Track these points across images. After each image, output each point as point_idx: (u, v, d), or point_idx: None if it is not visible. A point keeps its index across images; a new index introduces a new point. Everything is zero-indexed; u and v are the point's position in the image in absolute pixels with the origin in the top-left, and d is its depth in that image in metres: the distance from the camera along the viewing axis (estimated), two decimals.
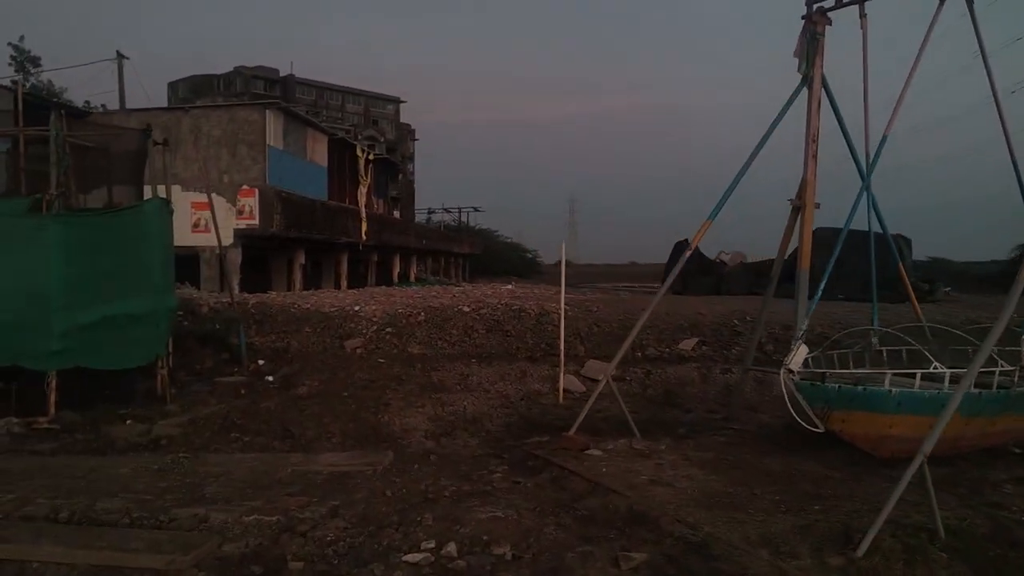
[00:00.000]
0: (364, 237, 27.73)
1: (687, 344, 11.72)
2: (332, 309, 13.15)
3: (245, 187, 20.85)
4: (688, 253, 7.34)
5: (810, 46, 7.03)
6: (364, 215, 27.86)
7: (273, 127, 22.25)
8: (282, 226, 21.15)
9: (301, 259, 24.71)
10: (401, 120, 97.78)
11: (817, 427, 5.71)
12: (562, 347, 10.04)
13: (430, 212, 70.42)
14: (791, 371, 5.85)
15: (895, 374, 5.92)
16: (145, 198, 9.80)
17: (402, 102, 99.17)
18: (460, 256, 54.44)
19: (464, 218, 68.32)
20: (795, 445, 6.48)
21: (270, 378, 10.61)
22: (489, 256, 64.21)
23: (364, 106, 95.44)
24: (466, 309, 13.04)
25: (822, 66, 7.09)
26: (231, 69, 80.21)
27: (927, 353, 6.25)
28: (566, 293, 19.15)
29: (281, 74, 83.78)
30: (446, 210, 66.34)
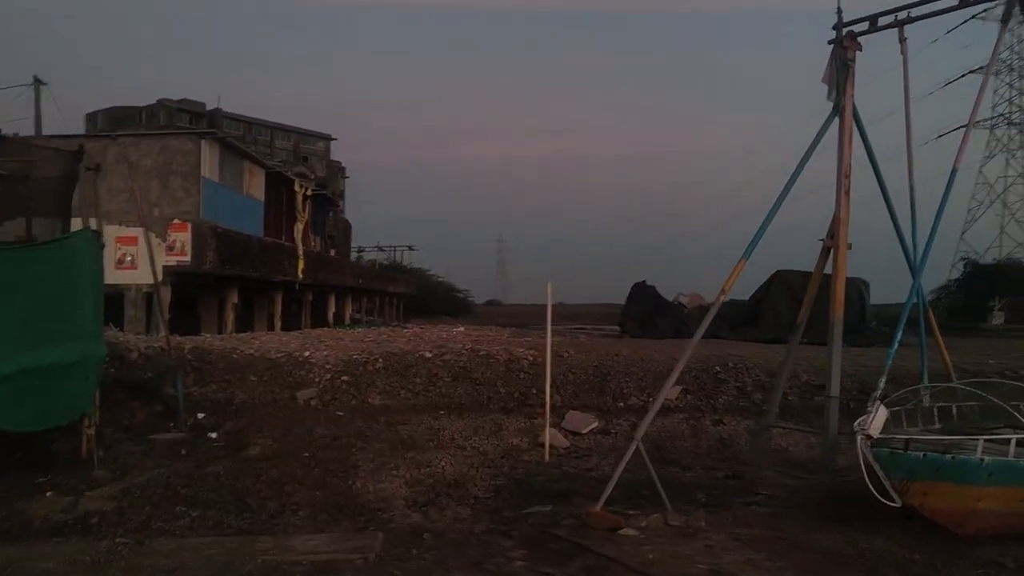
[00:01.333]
0: (301, 275, 26.39)
1: (671, 393, 10.95)
2: (279, 355, 11.94)
3: (177, 221, 19.41)
4: (723, 298, 6.56)
5: (840, 73, 6.44)
6: (302, 252, 26.54)
7: (208, 158, 20.92)
8: (216, 263, 19.75)
9: (234, 298, 23.23)
10: (331, 157, 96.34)
11: (894, 501, 4.94)
12: (548, 399, 9.14)
13: (360, 251, 69.01)
14: (869, 437, 5.08)
15: (987, 440, 5.21)
16: (72, 230, 8.54)
17: (332, 139, 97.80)
18: (395, 296, 53.14)
19: (398, 257, 67.14)
20: (845, 516, 5.70)
21: (213, 435, 9.36)
22: (423, 295, 63.03)
23: (294, 142, 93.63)
24: (428, 355, 12.03)
25: (853, 95, 6.50)
26: (154, 101, 77.59)
27: (1010, 410, 5.59)
28: (516, 337, 18.32)
29: (208, 107, 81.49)
30: (380, 248, 65.04)
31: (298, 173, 60.30)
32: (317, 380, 11.13)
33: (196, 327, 21.76)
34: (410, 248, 66.00)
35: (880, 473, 4.99)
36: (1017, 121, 73.91)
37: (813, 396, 10.77)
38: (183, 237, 19.15)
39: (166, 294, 19.16)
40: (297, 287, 27.38)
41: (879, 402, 5.56)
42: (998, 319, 52.53)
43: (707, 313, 6.54)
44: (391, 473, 7.66)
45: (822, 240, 6.70)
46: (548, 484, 7.71)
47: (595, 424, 10.16)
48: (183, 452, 8.60)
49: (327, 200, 35.69)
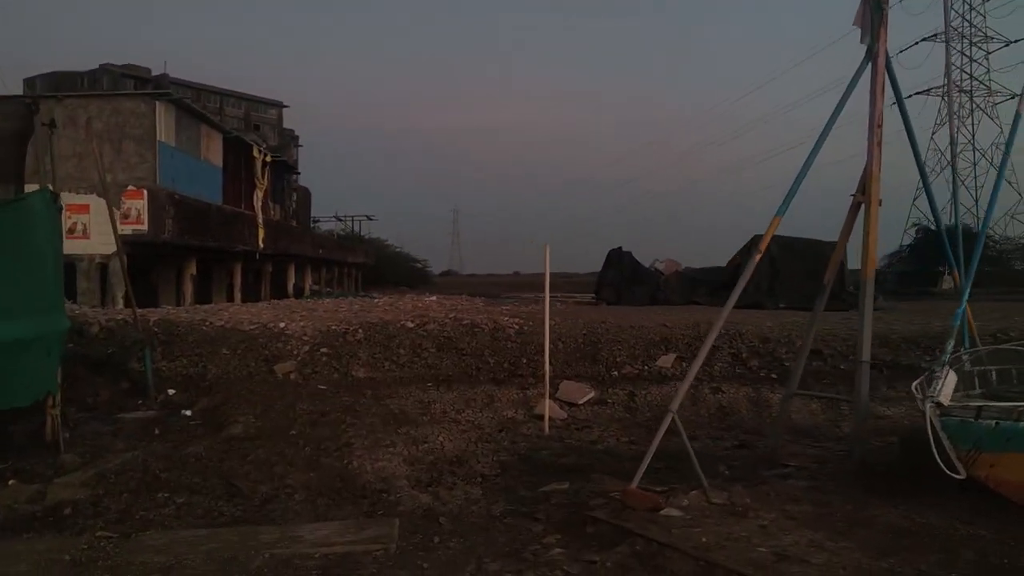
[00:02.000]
0: (262, 245, 25.44)
1: (665, 361, 10.60)
2: (252, 327, 11.26)
3: (131, 188, 18.35)
4: (759, 257, 6.12)
5: (874, 15, 5.99)
6: (262, 221, 25.56)
7: (164, 121, 19.82)
8: (175, 232, 18.79)
9: (192, 269, 22.27)
10: (284, 126, 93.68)
11: (959, 473, 4.59)
12: (547, 369, 8.68)
13: (315, 221, 67.36)
14: (939, 405, 4.71)
15: None
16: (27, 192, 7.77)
17: (285, 107, 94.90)
18: (354, 266, 52.12)
19: (355, 227, 65.84)
20: (889, 489, 5.36)
21: (188, 412, 8.73)
22: (381, 266, 62.01)
23: (244, 110, 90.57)
24: (410, 325, 11.47)
25: (886, 39, 6.07)
26: (97, 67, 74.29)
27: None
28: (492, 306, 17.83)
29: (153, 73, 78.30)
30: (337, 218, 63.66)
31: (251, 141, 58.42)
32: (295, 353, 10.50)
33: (153, 299, 20.82)
34: (368, 218, 64.71)
35: (947, 444, 4.63)
36: (968, 88, 75.08)
37: (811, 361, 10.49)
38: (139, 205, 18.12)
39: (119, 264, 18.20)
40: (257, 257, 26.42)
41: (948, 367, 5.20)
42: (947, 283, 53.53)
43: (742, 273, 6.08)
44: (388, 451, 7.15)
45: (852, 196, 6.27)
46: (555, 459, 7.29)
47: (591, 394, 9.75)
48: (156, 431, 7.96)
49: (286, 167, 34.50)
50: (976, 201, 75.83)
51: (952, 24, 74.72)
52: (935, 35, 74.01)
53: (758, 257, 5.95)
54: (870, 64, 6.08)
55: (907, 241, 69.10)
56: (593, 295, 20.05)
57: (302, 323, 11.68)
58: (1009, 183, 74.42)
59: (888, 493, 5.24)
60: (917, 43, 74.26)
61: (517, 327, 11.65)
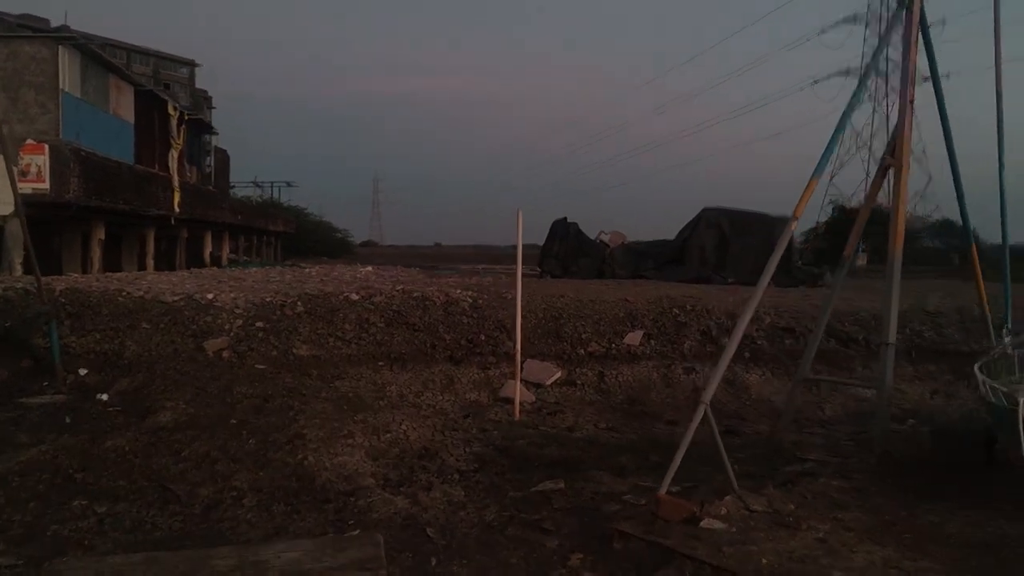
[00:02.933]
0: (177, 210, 23.67)
1: (633, 338, 9.94)
2: (176, 298, 10.04)
3: (31, 141, 16.47)
4: (793, 225, 5.41)
5: None
6: (177, 184, 23.76)
7: (68, 68, 17.93)
8: (80, 192, 17.06)
9: (100, 234, 20.45)
10: (197, 86, 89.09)
11: None
12: (519, 349, 7.90)
13: (232, 186, 64.31)
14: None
15: None
16: None
17: (197, 65, 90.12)
18: (274, 235, 50.01)
19: (275, 194, 63.21)
20: (933, 488, 4.80)
21: (103, 396, 7.57)
22: (301, 235, 59.82)
23: (153, 67, 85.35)
24: (355, 297, 10.45)
25: None
26: None
27: None
28: (435, 278, 16.89)
29: (53, 24, 73.12)
30: (256, 184, 60.90)
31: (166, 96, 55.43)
32: (227, 327, 9.36)
33: (57, 266, 19.03)
34: (288, 184, 62.24)
35: None
36: (883, 70, 77.34)
37: (783, 339, 10.04)
38: (39, 161, 16.28)
39: (18, 227, 16.38)
40: (172, 223, 24.62)
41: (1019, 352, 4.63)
42: (861, 260, 55.19)
43: (779, 241, 5.38)
44: (346, 442, 6.24)
45: (883, 158, 5.63)
46: (535, 450, 6.53)
47: (558, 374, 9.03)
48: (67, 420, 6.82)
49: (203, 126, 32.34)
50: (888, 181, 78.61)
51: (871, 7, 76.89)
52: (855, 16, 76.13)
53: (793, 225, 5.23)
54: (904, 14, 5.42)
55: (824, 218, 71.10)
56: (537, 268, 19.31)
57: (232, 294, 10.51)
58: (920, 164, 77.73)
59: (934, 493, 4.68)
60: (838, 24, 76.32)
61: (471, 300, 10.79)
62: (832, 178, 79.24)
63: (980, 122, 6.17)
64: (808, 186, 5.32)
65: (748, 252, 17.34)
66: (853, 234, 6.25)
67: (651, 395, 8.78)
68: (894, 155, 5.53)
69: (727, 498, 4.38)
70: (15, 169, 15.30)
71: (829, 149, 5.31)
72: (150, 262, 24.33)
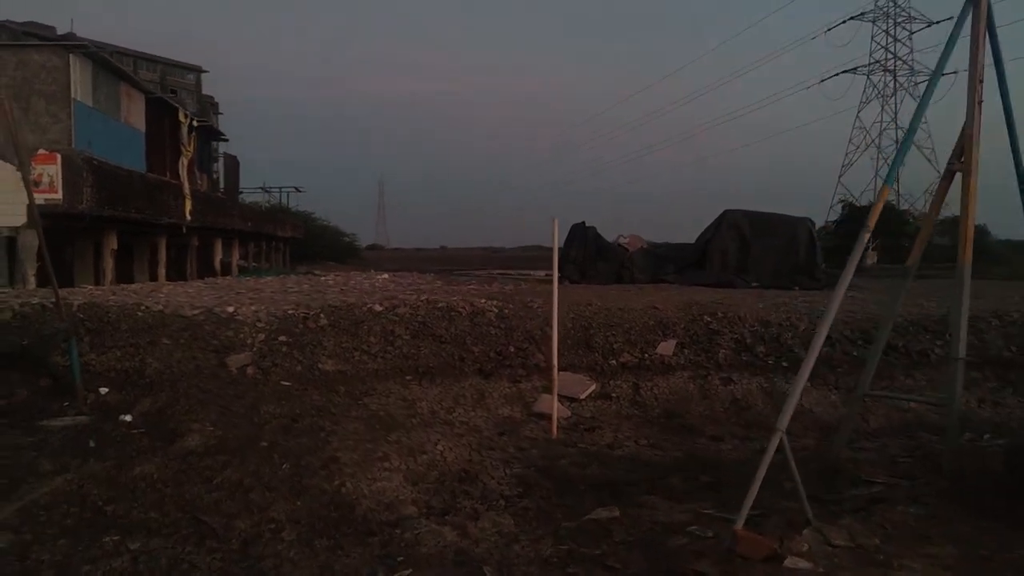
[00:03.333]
0: (189, 217, 23.47)
1: (665, 348, 9.65)
2: (195, 312, 9.81)
3: (43, 151, 16.28)
4: (866, 236, 5.10)
5: None
6: (189, 191, 23.55)
7: (80, 77, 17.73)
8: (93, 202, 16.85)
9: (113, 244, 20.24)
10: (203, 92, 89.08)
11: None
12: (556, 362, 7.61)
13: (240, 192, 64.16)
14: None
15: None
16: None
17: (204, 71, 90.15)
18: (283, 240, 49.85)
19: (284, 199, 63.07)
20: (1010, 511, 4.50)
21: (127, 418, 7.34)
22: (309, 240, 59.65)
23: (160, 74, 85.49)
24: (379, 308, 10.20)
25: None
26: None
27: None
28: (453, 284, 16.63)
29: (59, 32, 73.14)
30: (265, 189, 60.72)
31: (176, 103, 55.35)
32: (249, 342, 9.12)
33: (69, 278, 18.83)
34: (297, 189, 62.06)
35: None
36: (892, 68, 76.80)
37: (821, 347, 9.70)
38: (51, 171, 16.09)
39: (32, 239, 16.20)
40: (184, 231, 24.42)
41: None
42: (871, 259, 54.79)
43: (853, 251, 5.07)
44: (382, 466, 5.97)
45: (950, 162, 5.32)
46: (579, 471, 6.26)
47: (593, 387, 8.75)
48: (91, 444, 6.57)
49: (212, 132, 32.15)
50: (897, 179, 78.20)
51: (879, 4, 76.30)
52: (863, 13, 75.58)
53: (867, 236, 4.93)
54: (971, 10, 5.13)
55: (833, 217, 70.60)
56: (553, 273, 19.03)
57: (253, 307, 10.27)
58: (929, 161, 77.09)
59: (1020, 520, 4.38)
60: (845, 21, 75.79)
61: (497, 310, 10.52)
62: (841, 177, 79.03)
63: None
64: (880, 194, 5.03)
65: (770, 254, 17.04)
66: (918, 243, 5.93)
67: (689, 407, 8.49)
68: (962, 159, 5.23)
69: (806, 532, 4.09)
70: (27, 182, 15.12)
71: (900, 153, 5.02)
72: (162, 271, 24.13)
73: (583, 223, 18.39)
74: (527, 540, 4.65)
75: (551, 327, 10.08)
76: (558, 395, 8.49)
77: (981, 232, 64.16)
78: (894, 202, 74.28)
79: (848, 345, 9.84)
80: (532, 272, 25.43)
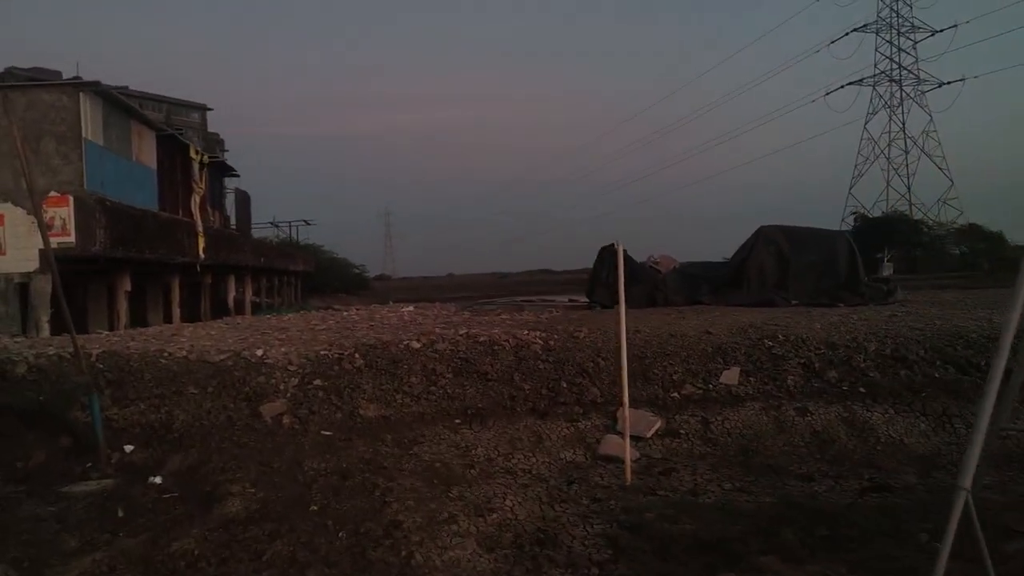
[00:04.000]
0: (203, 255, 22.93)
1: (730, 376, 8.94)
2: (222, 356, 9.15)
3: (54, 194, 15.78)
4: None
5: None
6: (202, 229, 23.04)
7: (90, 116, 17.27)
8: (107, 244, 16.31)
9: (127, 286, 19.68)
10: (209, 130, 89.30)
11: None
12: (626, 400, 6.90)
13: (250, 227, 63.83)
14: None
15: None
16: None
17: (209, 109, 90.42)
18: (295, 275, 49.40)
19: (293, 233, 62.71)
20: None
21: (157, 479, 6.67)
22: (319, 273, 59.21)
23: (166, 113, 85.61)
24: (416, 345, 9.53)
25: None
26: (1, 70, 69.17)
27: None
28: (478, 315, 15.96)
29: (65, 76, 73.40)
30: (274, 224, 60.39)
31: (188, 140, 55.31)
32: (282, 388, 8.45)
33: (82, 322, 18.23)
34: (306, 223, 61.71)
35: None
36: (897, 78, 76.43)
37: (897, 370, 8.99)
38: (63, 213, 15.59)
39: (45, 284, 15.65)
40: (198, 269, 23.88)
41: None
42: (887, 270, 54.01)
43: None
44: (450, 530, 5.27)
45: None
46: (669, 526, 5.52)
47: (659, 424, 8.04)
48: (120, 513, 5.89)
49: (223, 168, 31.76)
50: (909, 189, 77.61)
51: (880, 15, 76.15)
52: (865, 25, 75.38)
53: None
54: None
55: (846, 229, 69.90)
56: (585, 298, 18.33)
57: (283, 348, 9.61)
58: (941, 169, 76.43)
59: None
60: (848, 33, 75.58)
61: (542, 342, 9.84)
62: (851, 189, 78.40)
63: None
64: None
65: (810, 271, 16.31)
66: None
67: (766, 443, 7.75)
68: None
69: None
70: (38, 225, 14.57)
71: None
72: (176, 312, 23.57)
73: (613, 244, 17.69)
74: None
75: (603, 359, 9.42)
76: (621, 435, 7.81)
77: (998, 239, 63.46)
78: (907, 212, 73.67)
79: (926, 367, 9.08)
80: (555, 298, 24.75)
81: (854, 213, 74.17)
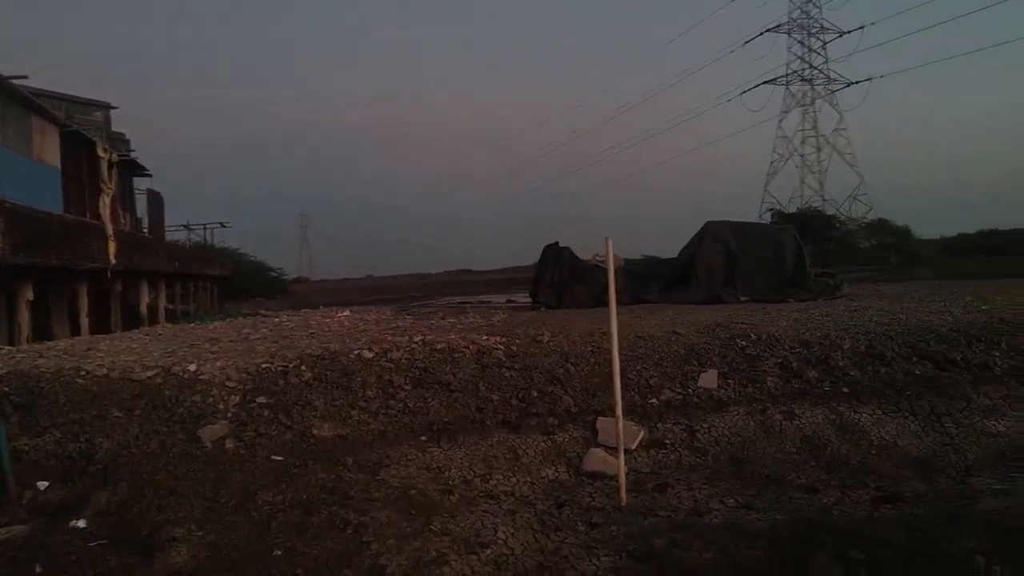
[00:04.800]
0: (113, 260, 21.28)
1: (708, 379, 8.45)
2: (149, 373, 8.12)
3: None
4: None
5: None
6: (112, 232, 21.37)
7: None
8: (7, 250, 14.75)
9: (28, 295, 18.00)
10: (113, 128, 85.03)
11: None
12: (619, 411, 6.27)
13: (164, 231, 60.60)
14: None
15: None
16: None
17: (113, 108, 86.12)
18: (211, 279, 47.11)
19: (208, 236, 59.89)
20: None
21: (80, 523, 5.67)
22: (236, 277, 56.78)
23: (65, 111, 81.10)
24: (368, 355, 8.71)
25: None
26: None
27: None
28: (420, 320, 15.14)
29: None
30: (187, 227, 57.48)
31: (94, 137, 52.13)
32: (222, 408, 7.49)
33: None
34: (222, 225, 59.03)
35: None
36: (809, 77, 78.69)
37: (877, 367, 8.68)
38: None
39: None
40: (108, 275, 22.17)
41: None
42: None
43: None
44: (441, 573, 4.54)
45: None
46: (682, 553, 4.93)
47: (642, 434, 7.46)
48: (39, 570, 4.91)
49: (134, 167, 29.76)
50: (821, 185, 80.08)
51: (792, 15, 78.27)
52: (778, 25, 77.35)
53: None
54: None
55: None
56: (526, 298, 17.74)
57: (218, 362, 8.62)
58: (851, 166, 79.12)
59: None
60: (762, 33, 77.43)
61: (504, 348, 9.16)
62: (767, 186, 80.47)
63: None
64: None
65: (758, 267, 16.16)
66: None
67: (757, 451, 7.27)
68: None
69: None
70: None
71: None
72: (84, 322, 21.82)
73: (556, 243, 17.19)
74: None
75: (572, 364, 8.80)
76: (604, 446, 7.20)
77: (905, 233, 66.10)
78: (820, 207, 75.93)
79: (904, 363, 8.82)
80: (490, 298, 24.11)
81: (770, 210, 75.94)
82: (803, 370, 8.67)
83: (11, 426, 6.99)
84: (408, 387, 8.15)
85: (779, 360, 8.87)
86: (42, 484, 6.40)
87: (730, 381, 8.49)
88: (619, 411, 6.19)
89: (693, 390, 8.29)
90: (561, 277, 16.63)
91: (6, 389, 7.60)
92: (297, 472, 6.33)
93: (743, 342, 9.30)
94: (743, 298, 15.49)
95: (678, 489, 6.40)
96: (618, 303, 17.39)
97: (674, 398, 8.16)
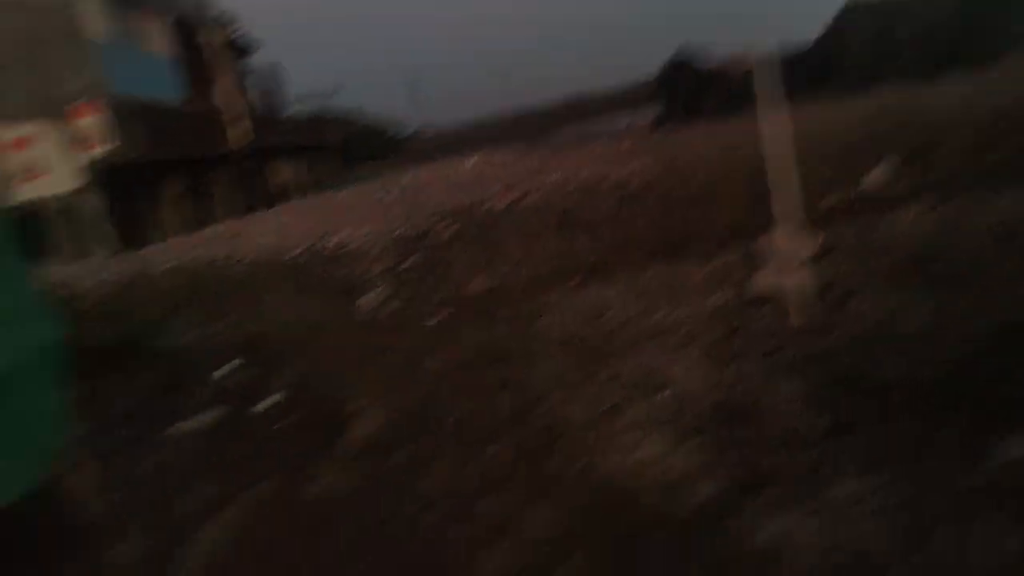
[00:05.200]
0: (242, 143, 21.77)
1: (876, 176, 7.67)
2: (296, 251, 8.29)
3: (80, 103, 14.58)
4: None
5: None
6: (238, 113, 21.74)
7: (92, 10, 15.81)
8: (149, 147, 15.27)
9: (173, 190, 18.74)
10: (220, 7, 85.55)
11: None
12: (793, 212, 5.76)
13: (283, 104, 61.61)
14: None
15: None
16: None
17: None
18: (331, 148, 47.92)
19: (322, 105, 60.45)
20: None
21: (266, 403, 5.91)
22: (355, 142, 57.48)
23: None
24: (505, 203, 8.48)
25: None
26: None
27: None
28: (547, 156, 14.66)
29: None
30: (300, 100, 58.06)
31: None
32: (371, 276, 7.56)
33: (142, 237, 17.53)
34: (335, 92, 59.21)
35: None
36: None
37: None
38: (92, 122, 14.49)
39: (96, 201, 14.78)
40: (238, 159, 22.79)
41: None
42: None
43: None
44: (621, 421, 4.40)
45: None
46: (885, 373, 4.50)
47: (817, 240, 6.85)
48: (237, 452, 5.17)
49: (245, 45, 29.85)
50: None
51: None
52: None
53: None
54: None
55: None
56: (651, 119, 16.82)
57: (358, 231, 8.66)
58: None
59: None
60: None
61: (640, 176, 8.66)
62: None
63: None
64: None
65: (911, 47, 14.37)
66: None
67: (942, 249, 6.58)
68: None
69: None
70: (68, 139, 13.56)
71: None
72: (224, 208, 22.75)
73: (677, 57, 15.95)
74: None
75: (721, 182, 8.21)
76: (771, 266, 6.73)
77: None
78: None
79: None
80: (612, 122, 23.14)
81: None
82: (982, 153, 7.69)
83: (188, 319, 7.34)
84: (550, 230, 7.89)
85: (956, 146, 7.91)
86: (223, 371, 6.73)
87: (902, 175, 7.67)
88: (792, 217, 5.68)
89: (862, 190, 7.56)
90: (688, 90, 15.53)
91: (174, 284, 7.96)
92: (454, 333, 6.31)
93: (909, 129, 8.34)
94: (894, 83, 13.96)
95: (858, 300, 5.90)
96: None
97: (841, 201, 7.48)
